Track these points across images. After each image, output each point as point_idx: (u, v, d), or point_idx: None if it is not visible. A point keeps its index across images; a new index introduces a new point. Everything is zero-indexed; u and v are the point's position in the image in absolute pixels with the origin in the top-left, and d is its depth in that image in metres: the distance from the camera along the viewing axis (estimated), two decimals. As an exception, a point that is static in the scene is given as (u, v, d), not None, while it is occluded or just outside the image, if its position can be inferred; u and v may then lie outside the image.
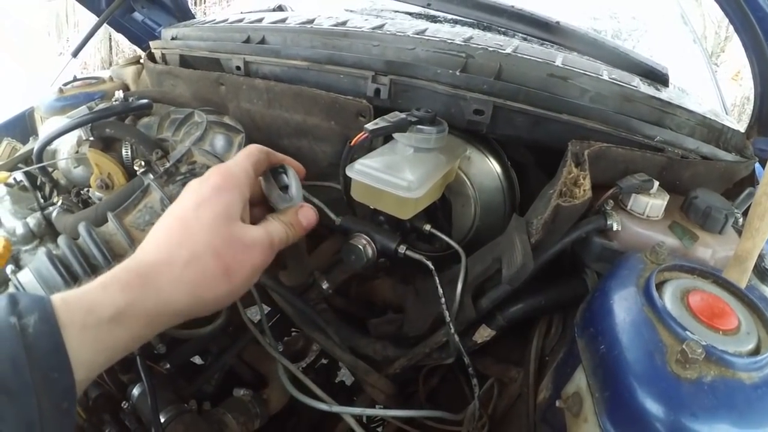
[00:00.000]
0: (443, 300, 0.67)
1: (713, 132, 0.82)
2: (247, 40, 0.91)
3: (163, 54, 1.05)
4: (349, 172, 0.66)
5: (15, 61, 4.38)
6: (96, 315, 0.39)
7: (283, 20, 0.93)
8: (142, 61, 1.11)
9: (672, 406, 0.47)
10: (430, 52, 0.76)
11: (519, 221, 0.65)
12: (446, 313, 0.67)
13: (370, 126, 0.64)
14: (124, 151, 0.81)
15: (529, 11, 0.93)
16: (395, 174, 0.64)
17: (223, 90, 0.88)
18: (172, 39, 1.03)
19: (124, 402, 0.74)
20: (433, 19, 1.03)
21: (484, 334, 0.77)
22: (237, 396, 0.79)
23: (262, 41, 0.89)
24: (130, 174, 0.80)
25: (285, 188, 0.55)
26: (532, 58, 0.74)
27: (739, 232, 0.73)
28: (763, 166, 0.94)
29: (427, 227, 0.75)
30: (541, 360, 0.78)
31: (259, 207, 0.55)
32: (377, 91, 0.77)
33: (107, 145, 0.82)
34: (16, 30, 4.50)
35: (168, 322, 0.44)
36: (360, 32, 0.81)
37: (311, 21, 0.91)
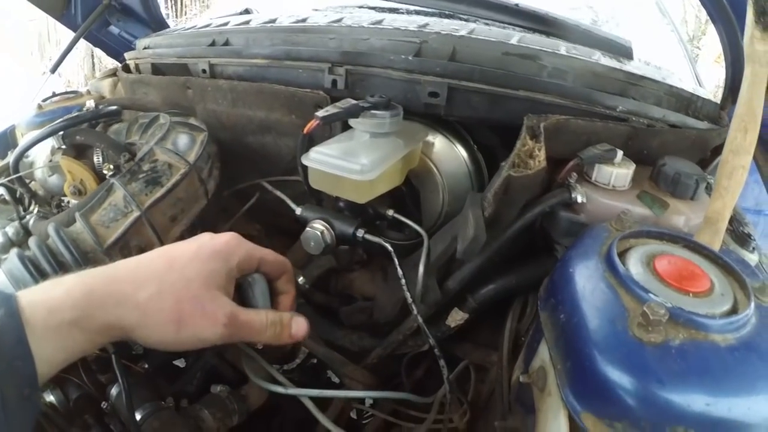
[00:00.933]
0: (404, 282, 0.69)
1: (682, 101, 0.83)
2: (212, 44, 0.95)
3: (136, 64, 1.11)
4: (305, 161, 0.69)
5: (15, 61, 4.56)
6: (57, 317, 0.43)
7: (247, 22, 0.98)
8: (118, 73, 1.17)
9: (635, 372, 0.45)
10: (384, 40, 0.79)
11: (474, 197, 0.68)
12: (407, 295, 0.69)
13: (320, 113, 0.67)
14: (95, 157, 0.85)
15: None
16: (349, 159, 0.67)
17: (191, 93, 0.93)
18: (145, 48, 1.09)
19: (103, 402, 0.77)
20: (395, 11, 1.06)
21: (456, 317, 0.79)
22: (214, 392, 0.82)
23: (226, 43, 0.94)
24: (101, 179, 0.84)
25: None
26: (487, 38, 0.77)
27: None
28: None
29: (390, 212, 0.77)
30: (516, 341, 0.79)
31: None
32: (334, 82, 0.80)
33: (80, 152, 0.87)
34: (17, 30, 4.68)
35: (123, 336, 0.48)
36: (317, 27, 0.85)
37: (273, 20, 0.95)
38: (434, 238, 0.74)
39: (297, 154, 0.71)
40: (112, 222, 0.66)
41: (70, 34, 1.32)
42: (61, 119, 0.83)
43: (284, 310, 0.59)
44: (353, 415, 1.00)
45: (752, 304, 0.49)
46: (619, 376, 0.46)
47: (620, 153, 0.72)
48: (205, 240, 0.53)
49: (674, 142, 0.79)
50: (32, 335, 0.41)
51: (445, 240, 0.71)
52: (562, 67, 0.76)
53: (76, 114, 0.85)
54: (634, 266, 0.55)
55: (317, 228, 0.71)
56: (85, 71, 4.66)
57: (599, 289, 0.53)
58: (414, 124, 0.82)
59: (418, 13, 1.02)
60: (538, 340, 0.65)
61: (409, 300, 0.70)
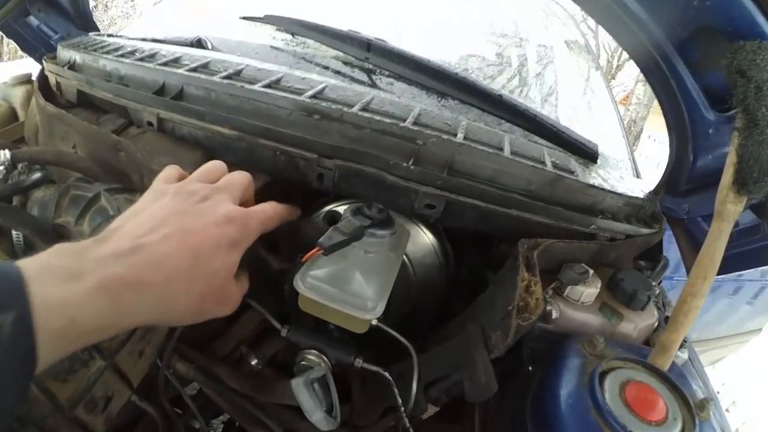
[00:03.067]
0: (402, 409, 0.66)
1: (634, 208, 0.88)
2: (162, 90, 0.77)
3: (58, 82, 0.88)
4: (299, 288, 0.60)
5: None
6: (76, 329, 0.38)
7: (205, 65, 0.81)
8: (36, 96, 0.92)
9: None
10: (380, 135, 0.71)
11: (476, 332, 0.65)
12: (405, 418, 0.66)
13: (325, 242, 0.58)
14: (14, 235, 0.67)
15: (472, 80, 0.90)
16: (351, 290, 0.60)
17: (123, 158, 0.75)
18: (69, 68, 0.85)
19: None
20: (371, 74, 0.95)
21: (429, 411, 0.79)
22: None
23: (180, 95, 0.77)
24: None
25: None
26: (483, 148, 0.72)
27: (656, 306, 0.83)
28: (669, 223, 1.05)
29: (374, 323, 0.72)
30: (484, 424, 0.82)
31: None
32: (320, 176, 0.71)
33: (-11, 226, 0.67)
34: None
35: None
36: (298, 104, 0.72)
37: (238, 72, 0.79)
38: (426, 357, 0.70)
39: (288, 275, 0.62)
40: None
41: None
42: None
43: None
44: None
45: (696, 428, 0.61)
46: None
47: (591, 272, 0.76)
48: (224, 226, 0.51)
49: (627, 250, 0.86)
50: (42, 344, 0.35)
51: (439, 364, 0.68)
52: (548, 182, 0.76)
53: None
54: (610, 396, 0.63)
55: (313, 362, 0.64)
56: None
57: (588, 424, 0.61)
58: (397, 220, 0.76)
59: (394, 79, 0.93)
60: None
61: (407, 424, 0.66)
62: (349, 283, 0.61)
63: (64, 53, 0.91)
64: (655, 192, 1.04)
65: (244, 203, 0.57)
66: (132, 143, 0.75)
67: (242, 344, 0.84)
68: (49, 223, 0.66)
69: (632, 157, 1.30)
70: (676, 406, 0.64)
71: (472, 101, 0.89)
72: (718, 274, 1.05)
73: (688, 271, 1.07)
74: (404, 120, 0.73)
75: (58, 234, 0.66)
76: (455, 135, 0.73)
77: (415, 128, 0.71)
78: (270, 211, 0.58)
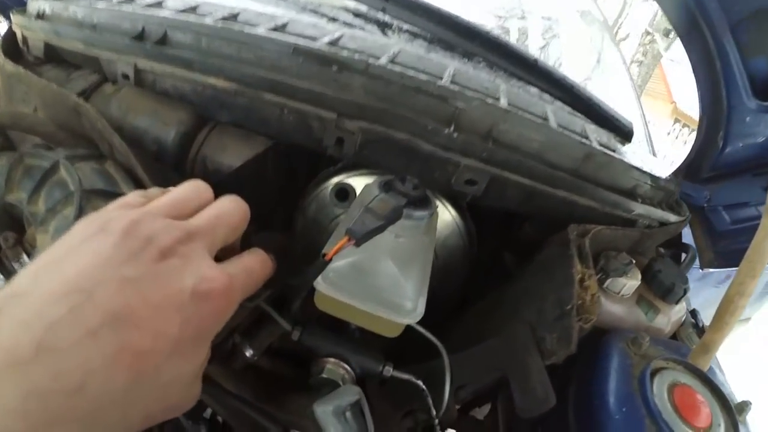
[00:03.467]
0: (437, 422, 0.54)
1: (668, 194, 0.80)
2: (141, 36, 0.61)
3: (25, 37, 0.70)
4: (318, 284, 0.47)
5: None
6: None
7: (194, 8, 0.65)
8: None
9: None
10: (411, 92, 0.58)
11: (525, 333, 0.55)
12: (437, 429, 0.55)
13: (357, 229, 0.45)
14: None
15: (505, 41, 0.77)
16: (385, 286, 0.48)
17: (86, 125, 0.58)
18: (38, 17, 0.68)
19: None
20: (386, 29, 0.80)
21: (453, 410, 0.69)
22: None
23: (163, 40, 0.61)
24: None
25: None
26: (530, 117, 0.61)
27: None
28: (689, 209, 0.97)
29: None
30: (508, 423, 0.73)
31: None
32: (340, 141, 0.57)
33: None
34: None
35: None
36: (313, 51, 0.58)
37: (234, 15, 0.64)
38: (460, 358, 0.59)
39: (308, 275, 0.48)
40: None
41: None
42: None
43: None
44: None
45: None
46: None
47: (633, 263, 0.68)
48: (191, 309, 0.32)
49: (659, 239, 0.78)
50: None
51: (479, 367, 0.57)
52: (597, 160, 0.65)
53: None
54: (660, 401, 0.58)
55: (337, 374, 0.51)
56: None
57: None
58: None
59: (414, 35, 0.79)
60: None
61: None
62: (381, 278, 0.49)
63: (34, 4, 0.73)
64: (675, 174, 0.96)
65: (226, 251, 0.39)
66: (101, 104, 0.59)
67: (235, 333, 0.71)
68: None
69: (649, 137, 1.22)
70: (718, 409, 0.59)
71: (503, 64, 0.77)
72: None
73: (701, 260, 1.01)
74: (440, 78, 0.60)
75: (9, 215, 0.50)
76: (498, 99, 0.61)
77: (455, 88, 0.58)
78: (257, 267, 0.39)
